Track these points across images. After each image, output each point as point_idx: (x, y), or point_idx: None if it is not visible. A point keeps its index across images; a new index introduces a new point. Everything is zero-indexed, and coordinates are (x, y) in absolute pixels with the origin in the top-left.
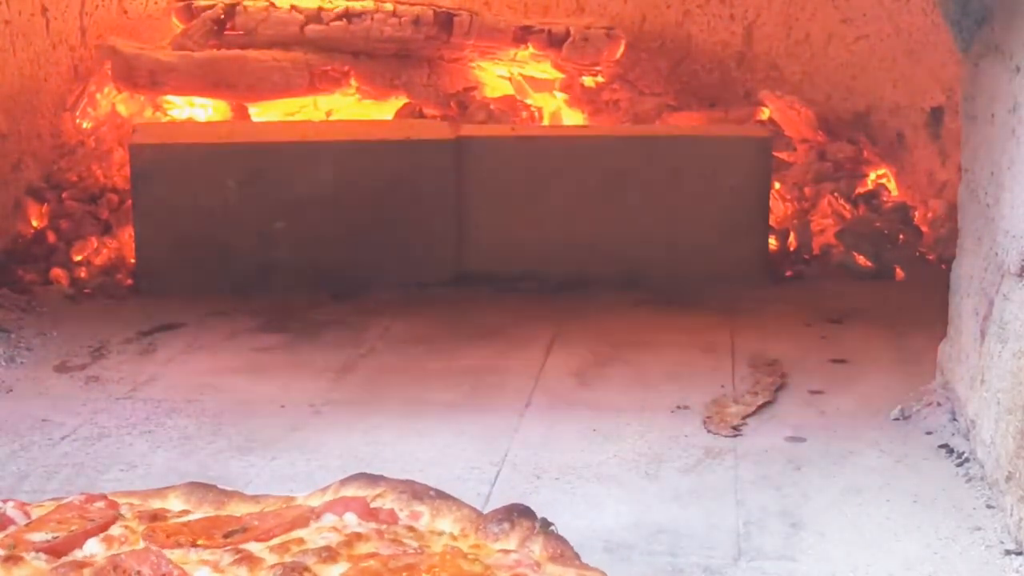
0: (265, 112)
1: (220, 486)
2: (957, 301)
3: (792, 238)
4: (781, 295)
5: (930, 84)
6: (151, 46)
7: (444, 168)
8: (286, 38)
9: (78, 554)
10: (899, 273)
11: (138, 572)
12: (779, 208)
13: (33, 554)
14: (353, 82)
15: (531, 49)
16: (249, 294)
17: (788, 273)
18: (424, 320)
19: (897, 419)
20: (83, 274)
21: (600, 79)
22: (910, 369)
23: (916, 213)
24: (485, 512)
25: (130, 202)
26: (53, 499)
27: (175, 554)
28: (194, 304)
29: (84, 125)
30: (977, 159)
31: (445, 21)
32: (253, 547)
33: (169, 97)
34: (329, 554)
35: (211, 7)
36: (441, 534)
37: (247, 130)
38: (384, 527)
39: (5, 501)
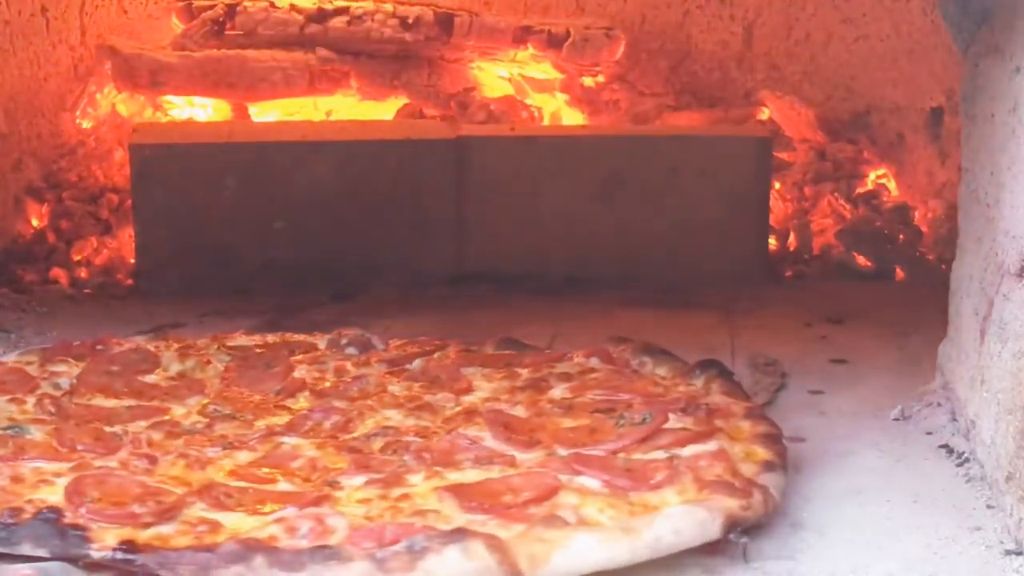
0: (265, 112)
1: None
2: (957, 301)
3: (792, 238)
4: (781, 295)
5: (930, 84)
6: (151, 46)
7: (444, 167)
8: (286, 38)
9: (407, 368)
10: (899, 273)
11: (437, 375)
12: (779, 208)
13: (378, 362)
14: (353, 82)
15: (531, 50)
16: (249, 294)
17: (788, 273)
18: (424, 320)
19: (897, 419)
20: (83, 274)
21: (600, 79)
22: (910, 369)
23: (916, 213)
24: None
25: (130, 202)
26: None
27: (469, 369)
28: (194, 304)
29: (84, 125)
30: (977, 159)
31: (445, 22)
32: (520, 370)
33: (169, 97)
34: (566, 377)
35: (211, 7)
36: (655, 375)
37: (247, 129)
38: (616, 368)
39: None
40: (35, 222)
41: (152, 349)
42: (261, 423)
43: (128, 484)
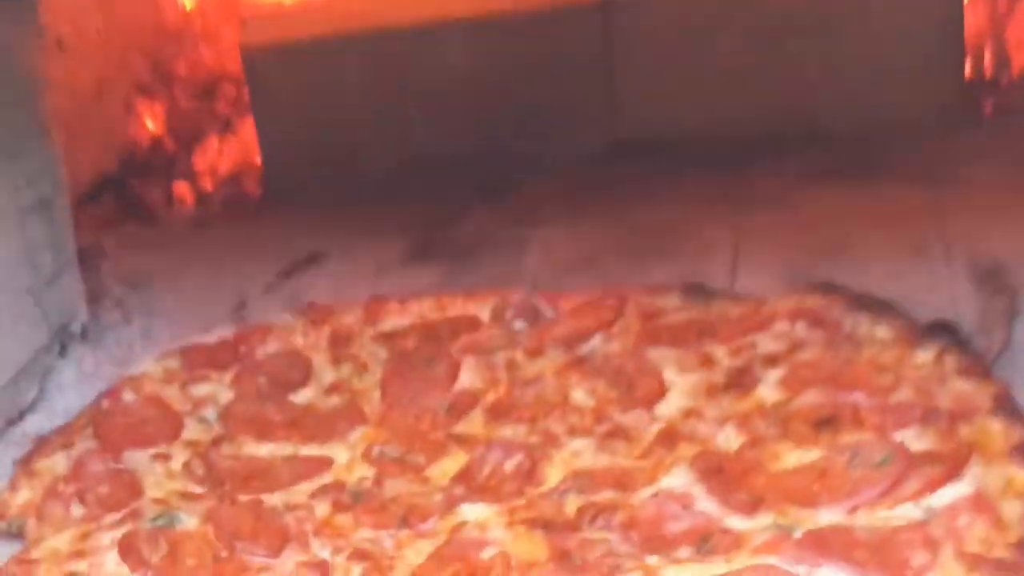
0: None
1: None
2: None
3: (987, 59)
4: (986, 145)
5: None
6: None
7: (591, 37)
8: None
9: (583, 348)
10: None
11: (622, 367)
12: (969, 20)
13: (552, 346)
14: None
15: None
16: (388, 198)
17: (987, 108)
18: (584, 228)
19: None
20: (208, 184)
21: None
22: None
23: None
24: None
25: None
26: None
27: (657, 352)
28: (331, 220)
29: (186, 5)
30: None
31: None
32: (716, 351)
33: None
34: (772, 359)
35: None
36: (875, 341)
37: (367, 12)
38: (828, 335)
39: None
40: (150, 124)
41: (300, 344)
42: (436, 472)
43: None
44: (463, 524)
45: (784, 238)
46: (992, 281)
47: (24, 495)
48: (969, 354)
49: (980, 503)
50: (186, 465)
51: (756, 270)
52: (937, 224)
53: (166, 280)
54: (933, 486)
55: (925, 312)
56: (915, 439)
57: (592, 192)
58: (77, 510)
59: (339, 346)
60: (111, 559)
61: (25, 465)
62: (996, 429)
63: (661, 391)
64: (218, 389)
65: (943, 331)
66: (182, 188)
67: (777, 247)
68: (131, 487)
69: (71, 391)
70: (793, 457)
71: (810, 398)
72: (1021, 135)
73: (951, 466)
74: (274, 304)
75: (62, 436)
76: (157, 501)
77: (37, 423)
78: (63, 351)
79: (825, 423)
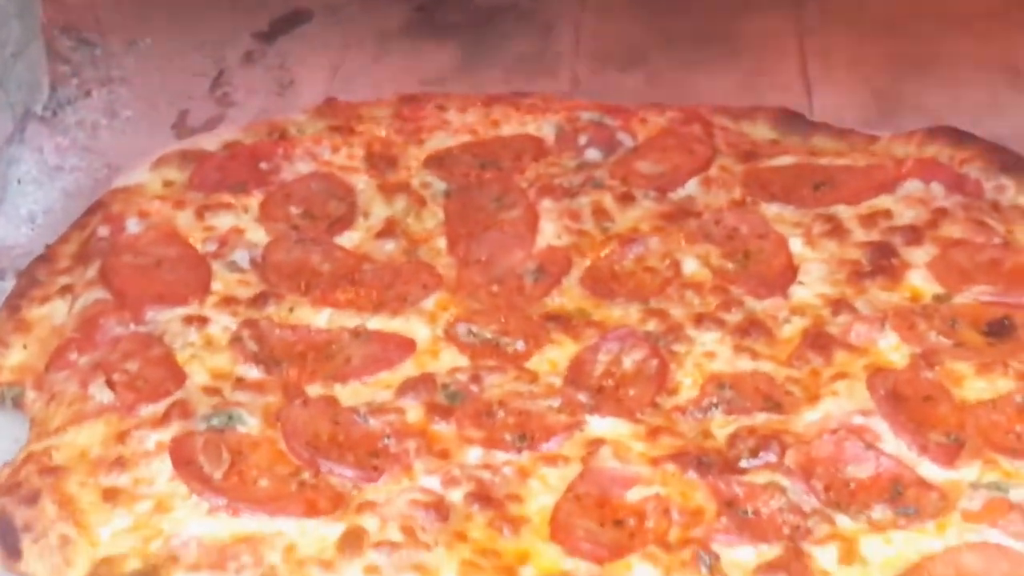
0: None
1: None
2: None
3: None
4: None
5: None
6: None
7: None
8: None
9: (680, 192)
10: None
11: (735, 229)
12: None
13: (643, 192)
14: None
15: None
16: None
17: None
18: (619, 8)
19: None
20: None
21: None
22: None
23: None
24: None
25: None
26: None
27: (770, 209)
28: None
29: None
30: None
31: None
32: (842, 213)
33: None
34: (915, 235)
35: None
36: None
37: None
38: (969, 201)
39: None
40: None
41: (334, 163)
42: (541, 365)
43: None
44: (595, 446)
45: (855, 40)
46: None
47: (16, 355)
48: None
49: None
50: (236, 339)
51: (831, 87)
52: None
53: (121, 38)
54: None
55: None
56: None
57: None
58: (100, 393)
59: (382, 169)
60: (162, 473)
61: (13, 313)
62: None
63: (791, 268)
64: (242, 220)
65: None
66: None
67: (848, 53)
68: (167, 365)
69: (34, 187)
70: (979, 386)
71: (974, 294)
72: None
73: None
74: (257, 77)
75: (50, 271)
76: (206, 390)
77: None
78: (22, 136)
79: (998, 328)
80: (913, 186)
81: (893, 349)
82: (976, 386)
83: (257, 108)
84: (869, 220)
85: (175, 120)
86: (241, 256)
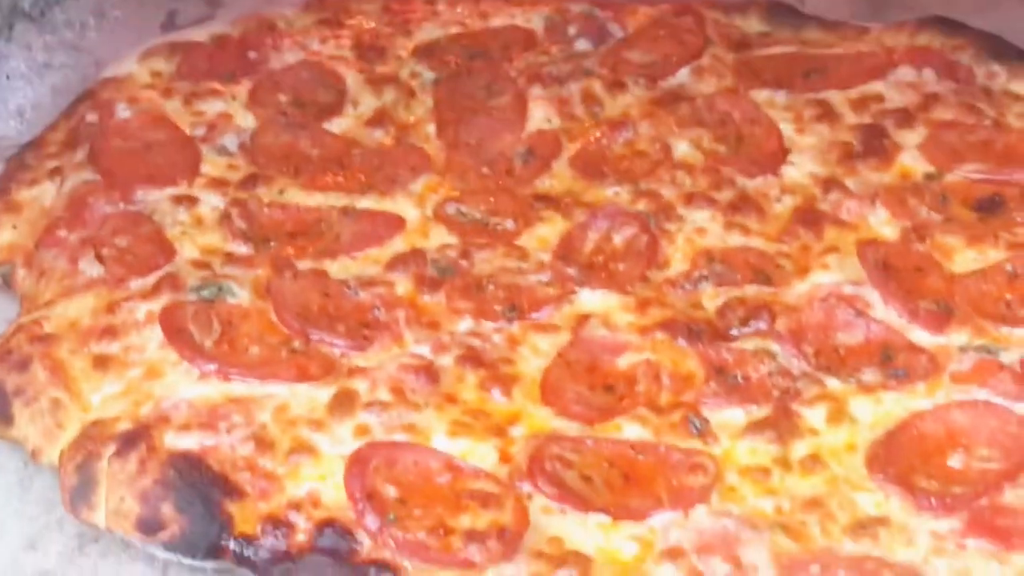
0: None
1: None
2: None
3: None
4: None
5: None
6: None
7: None
8: None
9: (671, 81)
10: None
11: (727, 114)
12: None
13: (633, 79)
14: None
15: None
16: None
17: None
18: None
19: None
20: None
21: None
22: None
23: None
24: None
25: None
26: None
27: (761, 95)
28: None
29: None
30: None
31: None
32: (833, 98)
33: None
34: (906, 118)
35: None
36: (1017, 98)
37: None
38: (960, 87)
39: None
40: None
41: (322, 54)
42: (531, 242)
43: (432, 467)
44: (585, 317)
45: None
46: None
47: (6, 235)
48: None
49: None
50: (225, 217)
51: None
52: None
53: None
54: None
55: None
56: None
57: None
58: (90, 267)
59: (370, 59)
60: (152, 340)
61: (2, 196)
62: None
63: (782, 150)
64: (231, 106)
65: None
66: None
67: None
68: (157, 241)
69: (23, 83)
70: (969, 257)
71: (964, 172)
72: None
73: None
74: None
75: (39, 156)
76: (196, 264)
77: None
78: (10, 33)
79: (988, 205)
80: (904, 72)
81: (884, 224)
82: (967, 257)
83: (246, 9)
84: (860, 104)
85: (164, 20)
86: (230, 140)
